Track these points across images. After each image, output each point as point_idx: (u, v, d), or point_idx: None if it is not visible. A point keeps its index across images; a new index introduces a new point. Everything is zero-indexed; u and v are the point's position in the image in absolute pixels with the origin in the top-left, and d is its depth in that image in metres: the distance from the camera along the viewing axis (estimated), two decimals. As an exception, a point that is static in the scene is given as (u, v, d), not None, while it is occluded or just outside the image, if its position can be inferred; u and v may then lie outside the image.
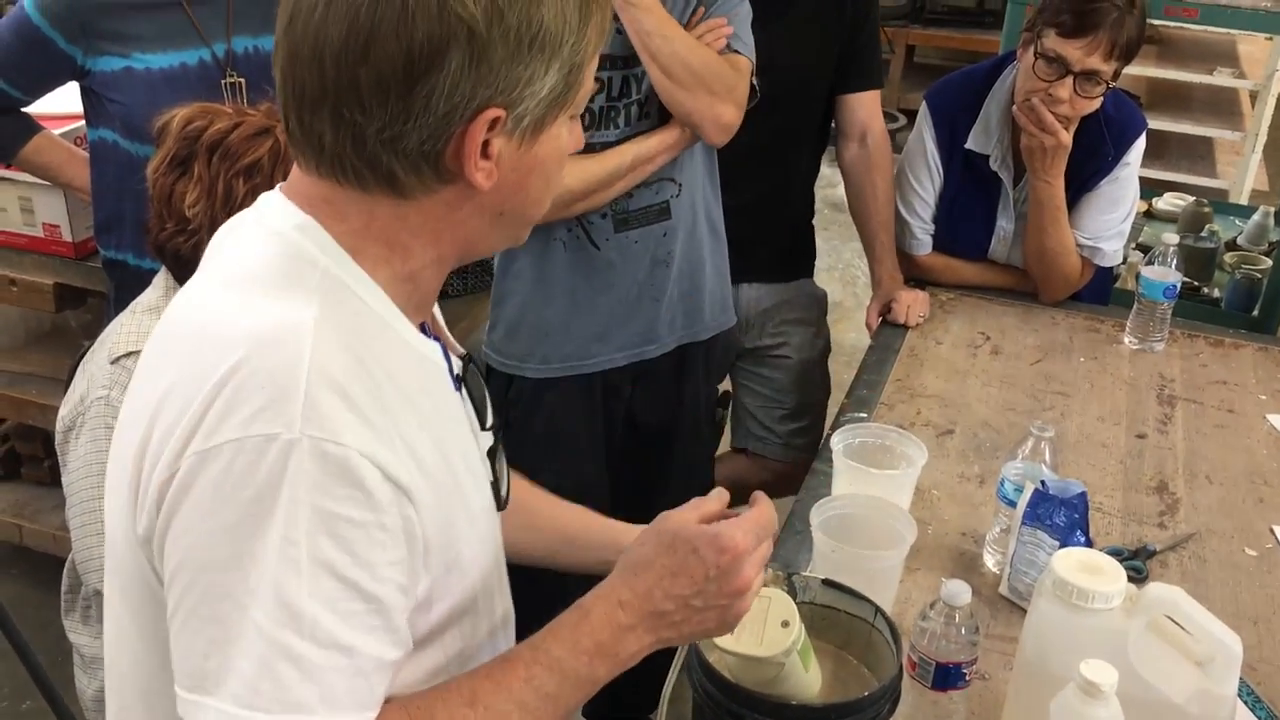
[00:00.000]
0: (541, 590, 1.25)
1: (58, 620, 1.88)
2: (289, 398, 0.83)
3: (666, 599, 0.99)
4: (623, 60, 1.92)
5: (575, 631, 0.98)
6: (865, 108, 2.47)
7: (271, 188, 1.55)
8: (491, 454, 1.10)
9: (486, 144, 0.89)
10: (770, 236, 2.46)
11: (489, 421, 1.10)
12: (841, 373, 4.11)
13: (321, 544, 0.84)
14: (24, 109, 2.16)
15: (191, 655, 0.85)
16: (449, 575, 0.97)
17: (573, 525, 1.34)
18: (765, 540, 1.05)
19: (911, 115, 3.35)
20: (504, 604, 1.11)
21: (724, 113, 1.96)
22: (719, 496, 1.11)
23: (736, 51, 1.98)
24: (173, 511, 0.85)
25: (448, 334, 1.10)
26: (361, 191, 0.91)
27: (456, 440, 1.00)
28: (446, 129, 0.88)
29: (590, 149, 1.91)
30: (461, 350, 1.09)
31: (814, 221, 2.65)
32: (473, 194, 0.92)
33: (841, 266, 5.01)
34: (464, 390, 1.06)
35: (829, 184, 4.66)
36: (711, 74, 1.93)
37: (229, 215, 1.56)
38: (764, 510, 1.06)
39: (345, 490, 0.84)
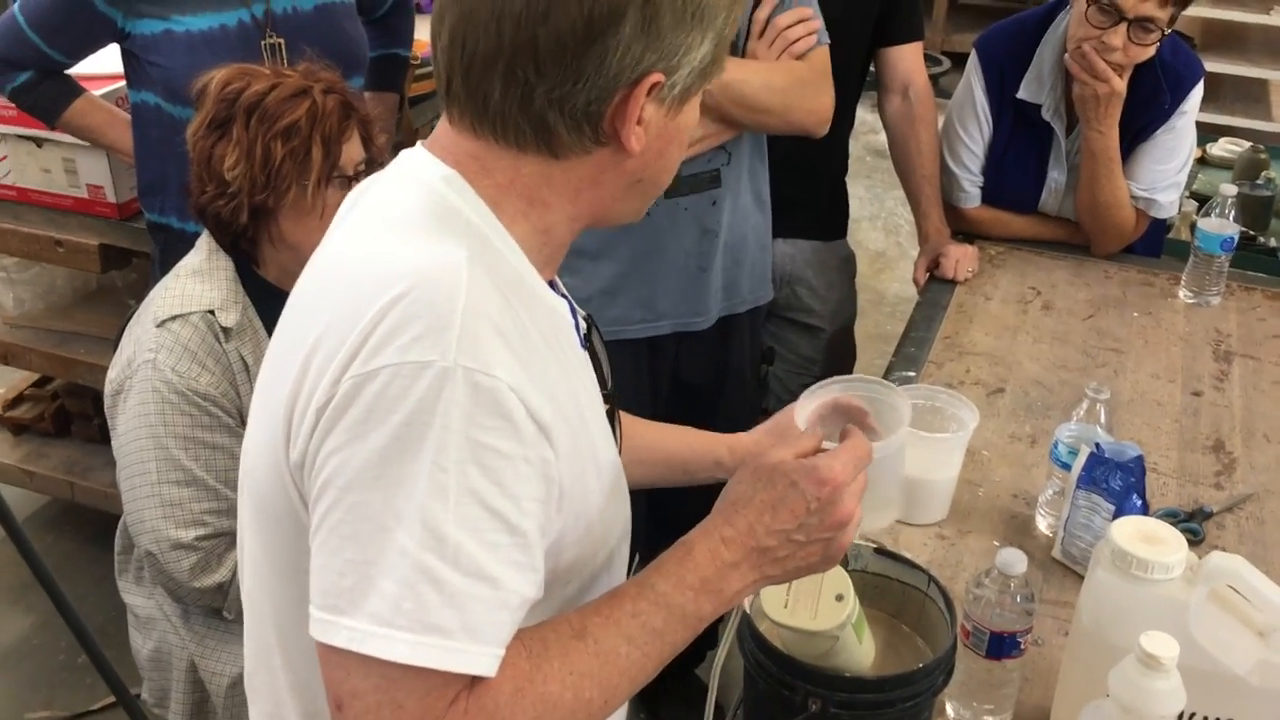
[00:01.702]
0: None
1: (111, 576, 1.91)
2: (446, 328, 0.85)
3: (769, 534, 0.99)
4: None
5: (680, 568, 0.98)
6: (907, 60, 2.42)
7: (309, 150, 1.58)
8: (610, 415, 1.11)
9: (641, 109, 0.93)
10: (805, 193, 2.42)
11: (609, 383, 1.12)
12: (885, 324, 4.09)
13: (470, 472, 0.85)
14: (66, 71, 2.16)
15: (328, 573, 0.86)
16: (578, 523, 0.98)
17: (677, 448, 1.37)
18: (862, 472, 1.04)
19: (956, 58, 3.28)
20: (624, 557, 1.12)
21: (818, 109, 2.00)
22: (813, 433, 1.10)
23: (819, 43, 1.99)
24: (327, 431, 0.87)
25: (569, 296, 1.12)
26: (514, 149, 0.94)
27: (587, 394, 1.02)
28: (612, 91, 0.91)
29: None
30: (584, 312, 1.11)
31: (856, 169, 2.61)
32: (621, 159, 0.96)
33: (884, 215, 4.95)
34: (588, 350, 1.08)
35: (870, 130, 4.59)
36: (795, 94, 1.96)
37: (267, 178, 1.59)
38: (860, 441, 1.06)
39: (495, 421, 0.86)
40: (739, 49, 1.97)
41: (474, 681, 0.87)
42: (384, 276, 0.88)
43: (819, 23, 2.00)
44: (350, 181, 1.65)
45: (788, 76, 1.96)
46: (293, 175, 1.58)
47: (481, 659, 0.86)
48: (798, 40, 1.97)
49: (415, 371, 0.84)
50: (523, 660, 0.90)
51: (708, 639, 1.29)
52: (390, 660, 0.84)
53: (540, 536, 0.91)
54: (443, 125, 0.99)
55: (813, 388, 1.33)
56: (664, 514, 1.37)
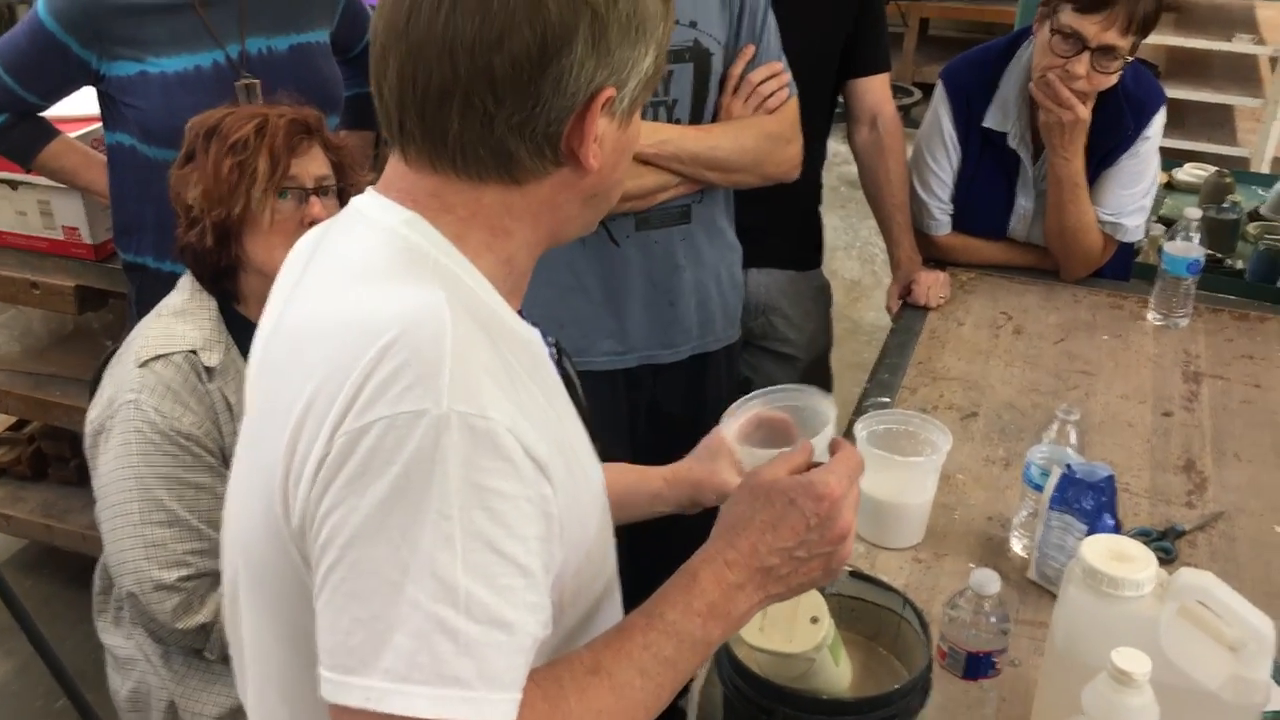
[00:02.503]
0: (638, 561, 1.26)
1: (86, 620, 1.90)
2: (436, 374, 0.85)
3: (771, 553, 1.00)
4: None
5: (686, 594, 0.98)
6: (875, 92, 2.46)
7: (256, 162, 1.60)
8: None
9: (596, 125, 0.94)
10: (779, 223, 2.45)
11: (583, 404, 1.11)
12: (862, 351, 4.11)
13: (475, 517, 0.84)
14: (40, 114, 2.17)
15: (335, 632, 0.84)
16: (577, 552, 0.97)
17: (613, 486, 1.35)
18: (856, 483, 1.05)
19: (926, 89, 3.33)
20: (612, 580, 1.12)
21: (787, 160, 2.08)
22: (802, 449, 1.11)
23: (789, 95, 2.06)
24: (324, 489, 0.86)
25: None
26: (474, 180, 0.95)
27: (570, 420, 1.02)
28: (569, 110, 0.92)
29: None
30: (553, 338, 1.10)
31: (830, 199, 2.64)
32: (579, 177, 0.97)
33: (859, 244, 4.99)
34: (561, 375, 1.08)
35: (844, 161, 4.63)
36: (765, 150, 2.03)
37: (220, 195, 1.61)
38: (850, 453, 1.07)
39: (495, 463, 0.85)
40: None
41: None
42: (367, 329, 0.87)
43: (789, 75, 2.05)
44: (309, 195, 1.67)
45: (757, 134, 2.03)
46: (241, 185, 1.62)
47: (501, 706, 0.85)
48: (771, 95, 2.03)
49: (410, 421, 0.83)
50: (540, 702, 0.89)
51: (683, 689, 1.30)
52: (410, 716, 0.82)
53: (545, 574, 0.90)
54: (394, 167, 0.98)
55: (734, 405, 1.33)
56: (644, 549, 1.37)
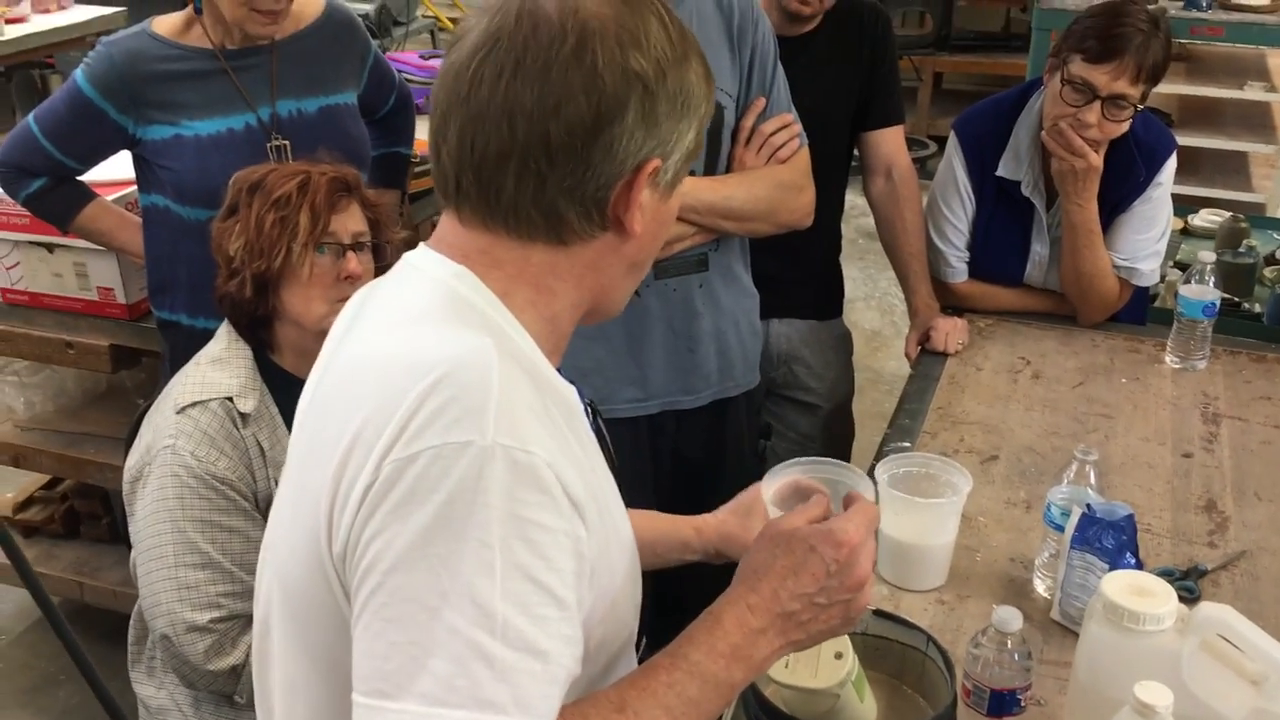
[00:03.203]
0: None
1: (119, 675, 1.92)
2: (483, 409, 0.89)
3: (792, 599, 1.02)
4: None
5: (710, 636, 1.00)
6: (889, 143, 2.51)
7: (298, 218, 1.66)
8: None
9: (640, 194, 1.00)
10: (799, 274, 2.50)
11: (615, 463, 1.14)
12: (882, 401, 4.13)
13: (515, 548, 0.87)
14: (78, 178, 2.23)
15: (373, 658, 0.87)
16: (604, 600, 1.00)
17: (643, 533, 1.37)
18: (872, 534, 1.08)
19: (941, 141, 3.38)
20: (633, 635, 1.14)
21: (800, 208, 2.13)
22: (818, 501, 1.14)
23: (800, 145, 2.11)
24: (369, 516, 0.89)
25: None
26: (524, 240, 1.00)
27: (604, 474, 1.05)
28: (618, 178, 0.98)
29: None
30: (589, 396, 1.14)
31: (849, 251, 2.68)
32: (621, 242, 1.02)
33: (879, 295, 5.02)
34: (595, 432, 1.12)
35: (862, 213, 4.68)
36: (778, 199, 2.08)
37: (262, 248, 1.67)
38: (868, 505, 1.10)
39: (536, 496, 0.89)
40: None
41: None
42: (417, 364, 0.91)
43: (799, 126, 2.11)
44: (345, 250, 1.72)
45: (770, 184, 2.08)
46: (282, 240, 1.67)
47: None
48: (782, 146, 2.09)
49: (456, 452, 0.87)
50: None
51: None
52: None
53: (579, 609, 0.92)
54: (448, 224, 1.03)
55: (777, 467, 1.36)
56: (668, 601, 1.39)
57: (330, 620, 0.95)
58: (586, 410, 1.11)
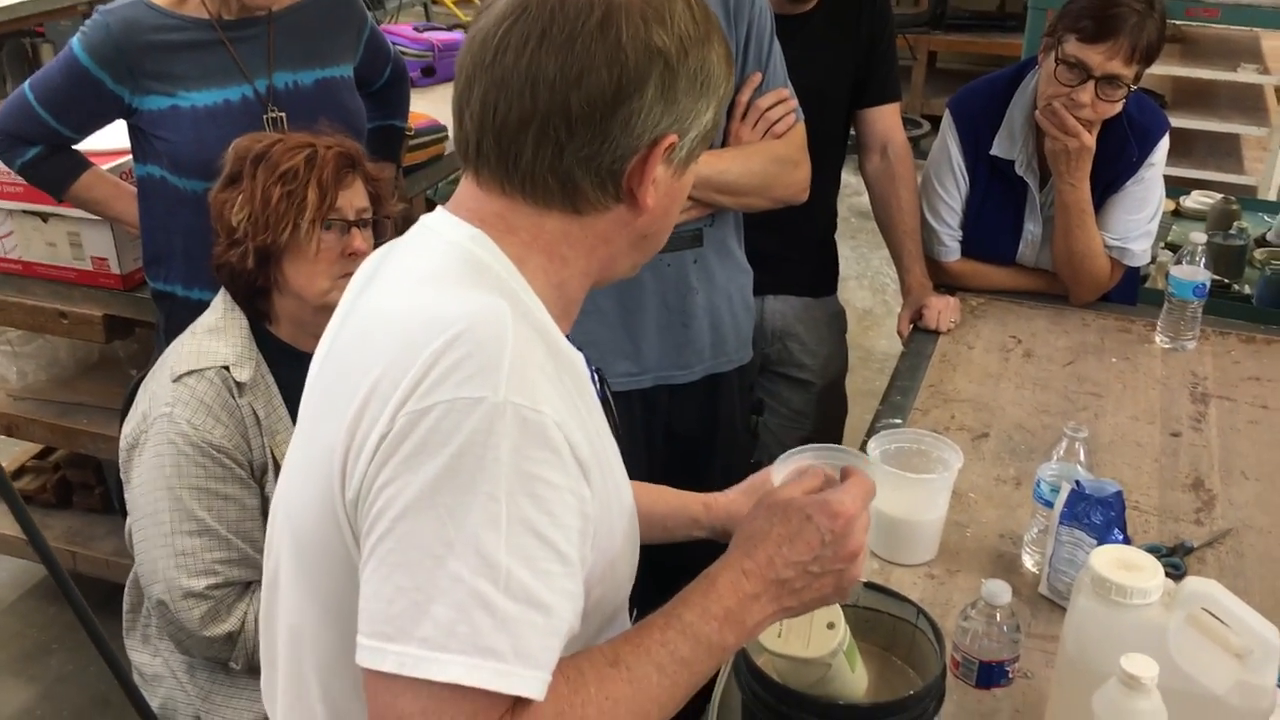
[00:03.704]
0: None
1: (113, 643, 1.92)
2: (497, 367, 0.91)
3: (786, 566, 1.04)
4: None
5: (705, 599, 1.02)
6: (885, 120, 2.51)
7: (306, 194, 1.66)
8: None
9: (655, 168, 1.01)
10: (794, 251, 2.50)
11: (619, 431, 1.17)
12: (874, 380, 4.14)
13: (522, 503, 0.89)
14: (73, 146, 2.23)
15: (378, 600, 0.89)
16: (603, 560, 1.02)
17: (654, 506, 1.40)
18: (867, 507, 1.10)
19: (935, 121, 3.38)
20: (626, 600, 1.17)
21: (795, 183, 2.13)
22: (815, 473, 1.17)
23: (796, 120, 2.10)
24: (382, 465, 0.91)
25: None
26: (539, 207, 1.02)
27: (609, 439, 1.07)
28: (634, 151, 1.00)
29: None
30: (596, 365, 1.16)
31: (842, 230, 2.69)
32: (634, 215, 1.04)
33: (871, 274, 5.04)
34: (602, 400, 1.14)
35: (855, 192, 4.69)
36: (773, 174, 2.08)
37: (267, 221, 1.67)
38: (864, 478, 1.12)
39: (544, 454, 0.91)
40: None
41: (517, 705, 0.90)
42: (435, 321, 0.94)
43: (795, 101, 2.11)
44: (350, 227, 1.73)
45: (765, 158, 2.08)
46: (289, 215, 1.68)
47: (532, 682, 0.89)
48: (778, 121, 2.09)
49: (468, 406, 0.89)
50: (562, 685, 0.93)
51: (703, 695, 1.33)
52: (442, 682, 0.86)
53: (582, 566, 0.95)
54: (466, 188, 1.05)
55: (788, 453, 1.37)
56: (663, 571, 1.41)
57: (340, 568, 0.98)
58: (593, 377, 1.12)
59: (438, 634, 0.87)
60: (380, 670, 0.88)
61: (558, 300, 1.05)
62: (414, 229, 1.09)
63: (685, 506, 1.43)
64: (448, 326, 0.93)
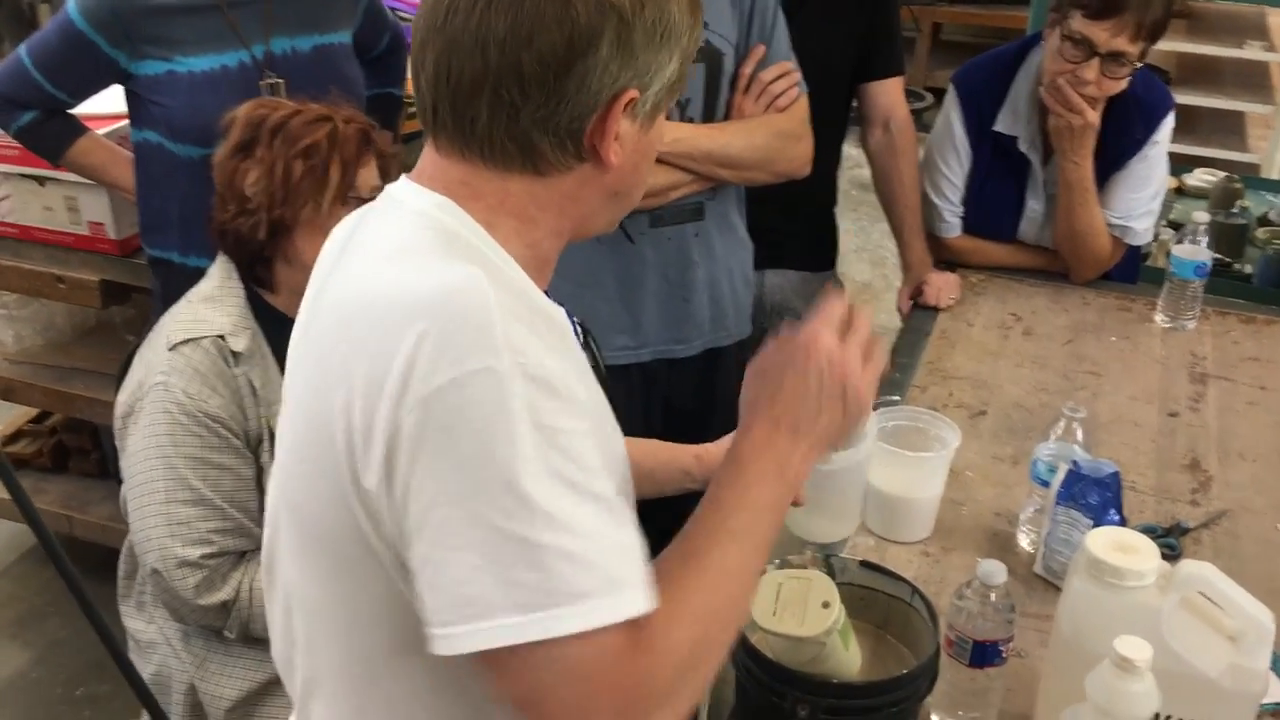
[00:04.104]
0: None
1: (107, 609, 1.93)
2: (489, 333, 0.90)
3: (790, 409, 1.05)
4: None
5: (738, 475, 1.03)
6: (888, 94, 2.49)
7: (327, 171, 1.65)
8: None
9: (617, 125, 0.99)
10: (794, 225, 2.49)
11: (606, 382, 1.18)
12: (872, 354, 4.14)
13: (552, 456, 0.89)
14: (70, 111, 2.21)
15: (451, 586, 0.88)
16: None
17: (643, 459, 1.40)
18: (834, 327, 1.08)
19: (939, 93, 3.36)
20: None
21: (798, 156, 2.12)
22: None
23: (799, 94, 2.09)
24: (410, 460, 0.90)
25: None
26: (501, 170, 1.00)
27: (595, 392, 1.07)
28: (592, 109, 0.97)
29: None
30: (578, 317, 1.16)
31: (843, 203, 2.68)
32: (600, 173, 1.02)
33: (871, 248, 5.02)
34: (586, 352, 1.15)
35: (856, 164, 4.66)
36: (776, 148, 2.07)
37: (286, 194, 1.66)
38: (826, 307, 1.10)
39: (556, 403, 0.91)
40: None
41: (631, 626, 0.90)
42: (414, 299, 0.92)
43: (798, 74, 2.09)
44: (364, 204, 1.72)
45: (768, 132, 2.06)
46: (310, 192, 1.66)
47: (637, 599, 0.90)
48: (781, 94, 2.07)
49: (474, 379, 0.88)
50: (657, 592, 0.94)
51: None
52: (560, 635, 0.87)
53: (617, 495, 0.96)
54: (428, 155, 1.04)
55: None
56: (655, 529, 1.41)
57: (350, 546, 0.97)
58: (576, 331, 1.12)
59: (531, 596, 0.87)
60: (493, 648, 0.87)
61: (532, 260, 1.03)
62: (380, 200, 1.07)
63: (675, 459, 1.43)
64: (429, 303, 0.91)
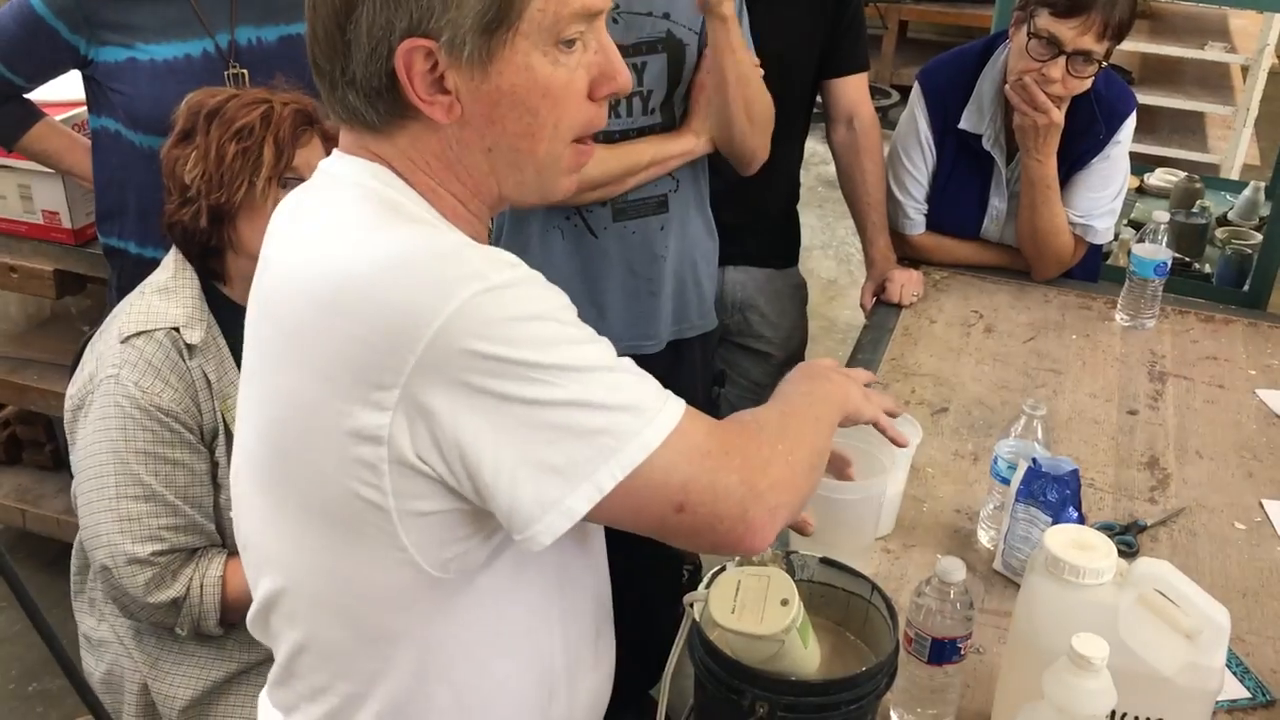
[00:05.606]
0: None
1: (60, 605, 1.91)
2: (465, 260, 0.94)
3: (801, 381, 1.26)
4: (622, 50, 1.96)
5: (794, 385, 1.23)
6: (852, 91, 2.49)
7: (261, 151, 1.63)
8: None
9: (442, 77, 0.97)
10: (756, 221, 2.49)
11: None
12: (836, 350, 4.15)
13: (562, 350, 0.95)
14: (26, 96, 2.17)
15: (538, 478, 0.94)
16: None
17: None
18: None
19: (905, 90, 3.37)
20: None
21: (763, 150, 2.11)
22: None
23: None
24: (454, 415, 0.93)
25: None
26: (368, 133, 1.03)
27: None
28: (380, 62, 0.97)
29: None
30: None
31: (808, 199, 2.68)
32: (440, 127, 1.00)
33: (835, 244, 5.03)
34: None
35: (822, 161, 4.67)
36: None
37: (222, 179, 1.63)
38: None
39: (545, 291, 0.98)
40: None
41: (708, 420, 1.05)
42: (386, 258, 0.94)
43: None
44: None
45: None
46: (244, 173, 1.64)
47: (671, 405, 1.02)
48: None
49: (471, 304, 0.91)
50: (734, 425, 1.13)
51: (660, 661, 1.33)
52: (635, 468, 0.96)
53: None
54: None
55: None
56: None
57: (348, 499, 0.98)
58: None
59: (613, 432, 0.95)
60: (621, 482, 0.95)
61: (459, 218, 1.05)
62: (316, 175, 1.09)
63: None
64: (400, 257, 0.94)
